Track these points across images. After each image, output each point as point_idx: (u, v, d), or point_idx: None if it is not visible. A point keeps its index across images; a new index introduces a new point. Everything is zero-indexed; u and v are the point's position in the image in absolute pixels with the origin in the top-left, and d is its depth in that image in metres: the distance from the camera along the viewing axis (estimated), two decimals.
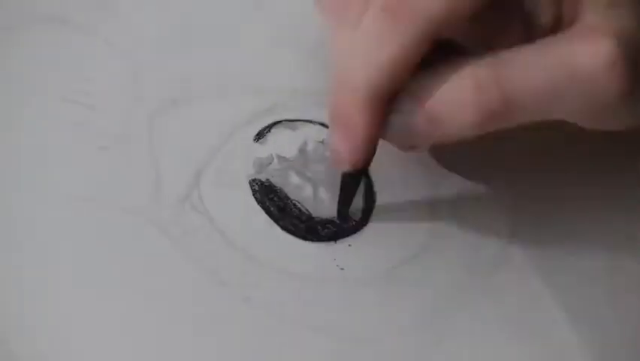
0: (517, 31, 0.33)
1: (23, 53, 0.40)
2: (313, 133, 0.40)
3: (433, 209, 0.39)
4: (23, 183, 0.37)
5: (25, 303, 0.34)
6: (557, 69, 0.31)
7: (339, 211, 0.37)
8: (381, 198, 0.39)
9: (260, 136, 0.39)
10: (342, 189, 0.36)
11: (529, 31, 0.33)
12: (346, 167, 0.34)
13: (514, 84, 0.30)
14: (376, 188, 0.39)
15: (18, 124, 0.39)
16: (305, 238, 0.37)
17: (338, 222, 0.37)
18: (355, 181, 0.36)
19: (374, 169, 0.39)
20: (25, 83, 0.40)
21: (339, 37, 0.33)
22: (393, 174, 0.39)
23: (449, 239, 0.38)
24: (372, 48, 0.31)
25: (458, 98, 0.31)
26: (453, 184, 0.39)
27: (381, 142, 0.34)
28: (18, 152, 0.38)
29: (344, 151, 0.33)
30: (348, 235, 0.37)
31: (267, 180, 0.38)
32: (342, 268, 0.37)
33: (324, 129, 0.40)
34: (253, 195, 0.38)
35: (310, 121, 0.40)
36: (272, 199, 0.38)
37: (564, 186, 0.39)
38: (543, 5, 0.33)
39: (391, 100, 0.32)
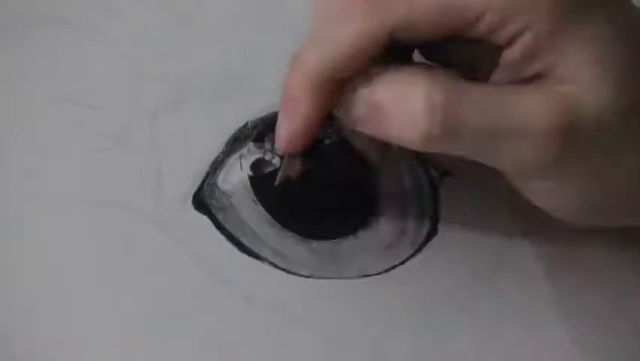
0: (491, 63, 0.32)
1: (23, 53, 0.40)
2: None
3: (434, 208, 0.39)
4: (23, 183, 0.37)
5: (25, 303, 0.34)
6: (501, 119, 0.30)
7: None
8: (383, 199, 0.39)
9: (260, 136, 0.39)
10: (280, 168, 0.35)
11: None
12: (283, 148, 0.33)
13: (458, 116, 0.29)
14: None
15: (18, 124, 0.39)
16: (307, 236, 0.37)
17: None
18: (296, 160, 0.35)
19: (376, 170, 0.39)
20: (25, 83, 0.40)
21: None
22: (393, 175, 0.39)
23: (450, 239, 0.38)
24: (332, 27, 0.31)
25: (405, 101, 0.30)
26: (454, 184, 0.39)
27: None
28: (18, 152, 0.38)
29: (284, 131, 0.33)
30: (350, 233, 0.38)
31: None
32: (342, 269, 0.37)
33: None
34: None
35: None
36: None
37: None
38: (518, 61, 0.31)
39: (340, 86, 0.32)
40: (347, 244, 0.37)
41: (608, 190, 0.32)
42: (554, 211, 0.33)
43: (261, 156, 0.39)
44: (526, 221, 0.38)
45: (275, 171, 0.38)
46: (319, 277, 0.36)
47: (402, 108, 0.30)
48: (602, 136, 0.30)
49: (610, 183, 0.32)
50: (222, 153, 0.39)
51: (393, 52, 0.31)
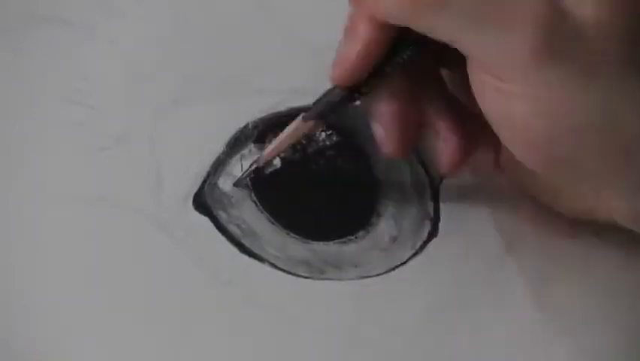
0: None
1: (23, 53, 0.40)
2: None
3: (435, 209, 0.39)
4: (24, 183, 0.37)
5: (25, 303, 0.34)
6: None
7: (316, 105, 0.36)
8: (383, 199, 0.39)
9: (261, 136, 0.39)
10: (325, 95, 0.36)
11: None
12: (336, 75, 0.34)
13: None
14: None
15: (18, 124, 0.39)
16: (307, 236, 0.37)
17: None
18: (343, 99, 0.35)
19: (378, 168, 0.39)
20: (25, 83, 0.40)
21: None
22: (393, 175, 0.39)
23: (451, 239, 0.38)
24: None
25: None
26: (455, 184, 0.39)
27: None
28: (18, 152, 0.38)
29: (339, 56, 0.34)
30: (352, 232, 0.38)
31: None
32: (343, 270, 0.37)
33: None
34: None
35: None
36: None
37: None
38: None
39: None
40: (347, 245, 0.37)
41: (581, 117, 0.31)
42: (524, 148, 0.33)
43: (261, 156, 0.39)
44: (526, 221, 0.38)
45: (276, 172, 0.39)
46: (320, 278, 0.36)
47: None
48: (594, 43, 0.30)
49: (583, 110, 0.31)
50: (223, 153, 0.39)
51: None
